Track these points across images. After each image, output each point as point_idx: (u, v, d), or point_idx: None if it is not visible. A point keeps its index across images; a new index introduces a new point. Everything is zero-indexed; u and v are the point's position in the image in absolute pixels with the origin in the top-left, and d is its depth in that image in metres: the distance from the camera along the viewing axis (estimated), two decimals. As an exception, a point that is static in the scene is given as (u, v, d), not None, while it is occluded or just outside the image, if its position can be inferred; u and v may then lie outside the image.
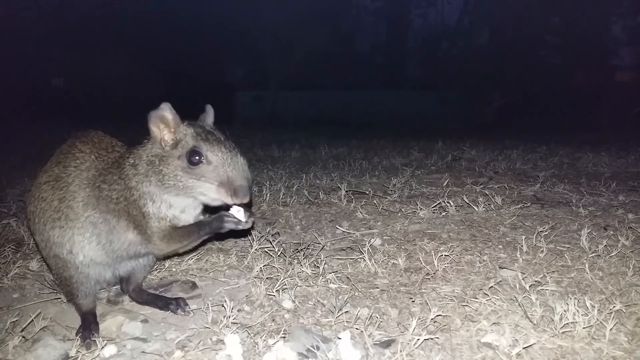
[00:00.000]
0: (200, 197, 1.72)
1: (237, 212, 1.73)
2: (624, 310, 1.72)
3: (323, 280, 2.12)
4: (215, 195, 1.67)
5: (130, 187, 1.73)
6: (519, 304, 1.79)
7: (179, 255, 2.24)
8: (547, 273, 2.07)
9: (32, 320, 1.78)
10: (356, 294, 2.00)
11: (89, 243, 1.79)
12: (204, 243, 2.59)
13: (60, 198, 1.80)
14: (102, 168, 1.82)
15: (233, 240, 2.75)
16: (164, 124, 1.69)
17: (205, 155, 1.66)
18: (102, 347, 1.61)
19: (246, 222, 1.72)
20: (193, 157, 1.65)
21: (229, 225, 1.71)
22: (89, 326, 1.76)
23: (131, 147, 1.85)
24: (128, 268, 1.99)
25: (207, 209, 1.92)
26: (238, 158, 1.68)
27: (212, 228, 1.74)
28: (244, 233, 2.83)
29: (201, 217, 1.87)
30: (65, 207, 1.78)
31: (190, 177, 1.67)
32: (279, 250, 2.41)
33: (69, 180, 1.81)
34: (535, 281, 1.98)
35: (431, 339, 1.59)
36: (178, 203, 1.76)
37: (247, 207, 1.74)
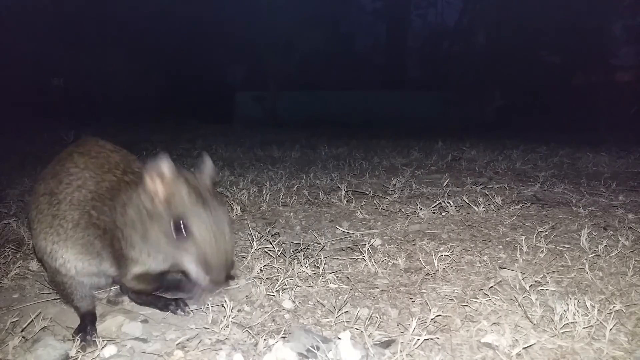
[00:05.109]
0: (179, 265, 1.66)
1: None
2: (624, 310, 1.72)
3: (323, 280, 2.12)
4: (191, 270, 1.60)
5: (117, 226, 1.69)
6: (519, 304, 1.78)
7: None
8: (547, 273, 2.07)
9: (32, 320, 1.78)
10: (356, 294, 2.00)
11: (81, 260, 1.80)
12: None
13: (53, 214, 1.79)
14: (93, 190, 1.76)
15: (233, 240, 2.76)
16: (160, 177, 1.58)
17: (191, 228, 1.55)
18: (102, 347, 1.61)
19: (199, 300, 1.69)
20: (178, 228, 1.56)
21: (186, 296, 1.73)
22: (87, 327, 1.76)
23: (128, 172, 1.77)
24: None
25: None
26: (224, 236, 1.57)
27: (179, 291, 1.79)
28: (243, 233, 2.84)
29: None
30: (57, 224, 1.78)
31: (171, 246, 1.60)
32: (279, 250, 2.41)
33: (60, 197, 1.79)
34: (535, 281, 1.98)
35: (431, 339, 1.59)
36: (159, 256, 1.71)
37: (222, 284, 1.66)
